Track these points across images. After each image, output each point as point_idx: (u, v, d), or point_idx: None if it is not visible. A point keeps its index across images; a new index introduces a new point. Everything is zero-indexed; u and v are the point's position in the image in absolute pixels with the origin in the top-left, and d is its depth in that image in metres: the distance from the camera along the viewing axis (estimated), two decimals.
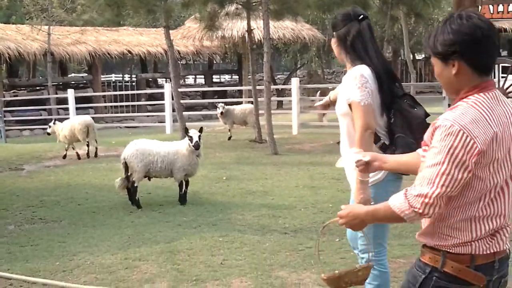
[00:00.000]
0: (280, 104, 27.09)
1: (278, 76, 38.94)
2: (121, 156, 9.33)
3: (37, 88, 27.44)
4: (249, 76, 19.46)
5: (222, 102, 17.48)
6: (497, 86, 14.26)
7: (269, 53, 15.25)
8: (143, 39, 28.59)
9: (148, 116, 24.88)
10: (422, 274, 2.78)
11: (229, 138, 16.89)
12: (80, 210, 9.16)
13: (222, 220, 8.19)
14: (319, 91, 21.06)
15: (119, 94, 25.15)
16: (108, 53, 26.45)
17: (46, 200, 9.94)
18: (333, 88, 4.93)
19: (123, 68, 40.58)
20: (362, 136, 4.08)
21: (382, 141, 4.22)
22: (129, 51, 27.28)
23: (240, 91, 26.37)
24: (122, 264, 6.37)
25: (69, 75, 32.85)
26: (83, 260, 6.56)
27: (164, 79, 31.63)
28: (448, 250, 2.72)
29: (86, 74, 30.12)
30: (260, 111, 15.99)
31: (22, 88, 27.32)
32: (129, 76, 36.95)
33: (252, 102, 17.19)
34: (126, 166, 9.14)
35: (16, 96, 24.79)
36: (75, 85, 28.14)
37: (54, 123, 14.81)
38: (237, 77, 34.05)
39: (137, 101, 25.56)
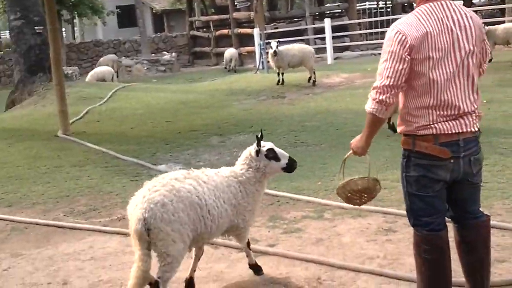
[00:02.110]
0: None
1: None
2: None
3: (295, 19, 28.34)
4: None
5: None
6: None
7: None
8: None
9: None
10: (404, 158, 3.52)
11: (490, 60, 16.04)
12: (339, 134, 9.48)
13: (483, 144, 7.92)
14: None
15: (374, 21, 25.02)
16: None
17: (307, 125, 10.44)
18: None
19: None
20: None
21: None
22: None
23: (503, 10, 24.64)
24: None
25: (325, 5, 33.34)
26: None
27: None
28: (415, 133, 3.41)
29: (342, 3, 30.35)
30: None
31: (282, 21, 28.44)
32: (384, 2, 36.42)
33: None
34: None
35: (276, 28, 25.90)
36: (331, 14, 28.56)
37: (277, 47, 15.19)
38: None
39: None
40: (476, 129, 3.42)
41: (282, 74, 15.61)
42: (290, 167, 4.51)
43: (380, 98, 3.32)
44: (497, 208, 5.51)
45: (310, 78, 15.61)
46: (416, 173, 3.43)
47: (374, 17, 27.51)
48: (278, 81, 15.64)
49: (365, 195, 3.94)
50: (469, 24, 3.34)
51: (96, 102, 14.36)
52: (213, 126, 11.21)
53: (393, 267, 4.55)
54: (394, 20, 19.25)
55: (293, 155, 8.34)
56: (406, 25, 3.30)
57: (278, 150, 4.48)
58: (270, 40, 17.42)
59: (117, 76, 21.92)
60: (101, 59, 25.39)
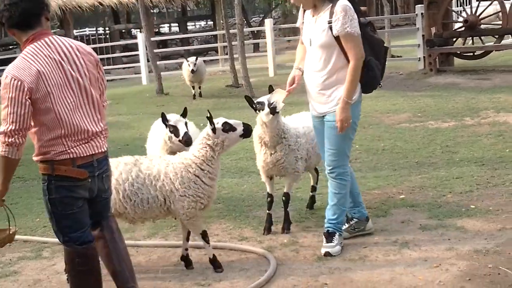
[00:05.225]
0: (256, 47, 26.89)
1: (254, 19, 38.54)
2: None
3: (10, 47, 26.98)
4: (222, 21, 19.21)
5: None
6: (471, 13, 14.13)
7: None
8: None
9: (124, 68, 24.58)
10: (45, 183, 3.75)
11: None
12: None
13: None
14: None
15: (93, 48, 24.83)
16: (79, 6, 25.91)
17: (24, 159, 9.83)
18: None
19: (97, 21, 39.93)
20: (358, 63, 4.54)
21: None
22: (100, 3, 26.69)
23: (215, 37, 26.06)
24: None
25: None
26: None
27: (138, 30, 31.13)
28: (53, 159, 3.65)
29: (59, 29, 29.60)
30: (235, 55, 15.88)
31: None
32: (103, 28, 36.37)
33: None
34: None
35: None
36: None
37: None
38: (212, 22, 33.61)
39: (111, 53, 25.22)
40: (106, 149, 3.88)
41: None
42: (247, 131, 4.83)
43: (9, 140, 3.54)
44: (214, 229, 5.71)
45: None
46: (58, 194, 3.73)
47: (93, 43, 27.26)
48: None
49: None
50: (76, 55, 3.71)
51: None
52: None
53: None
54: (113, 46, 19.01)
55: (9, 191, 7.92)
56: (18, 70, 3.52)
57: (231, 121, 4.76)
58: None
59: None
60: None
